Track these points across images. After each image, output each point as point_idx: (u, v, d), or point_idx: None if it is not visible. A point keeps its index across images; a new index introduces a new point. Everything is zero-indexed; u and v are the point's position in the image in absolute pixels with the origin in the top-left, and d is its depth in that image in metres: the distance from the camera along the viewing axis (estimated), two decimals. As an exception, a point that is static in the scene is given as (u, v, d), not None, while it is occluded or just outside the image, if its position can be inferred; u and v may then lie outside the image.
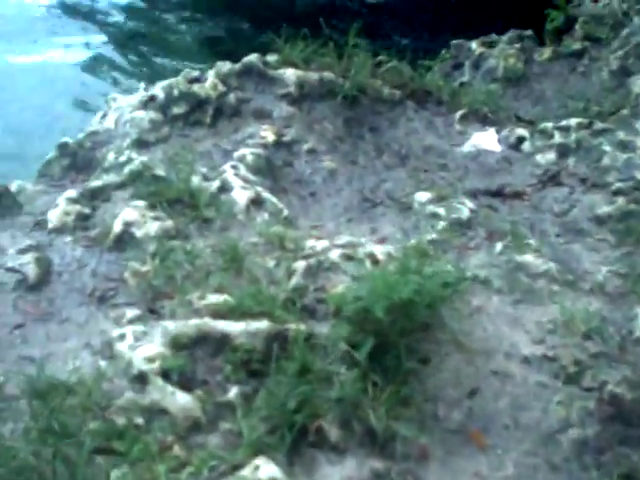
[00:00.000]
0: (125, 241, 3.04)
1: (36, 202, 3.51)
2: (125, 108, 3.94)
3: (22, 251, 2.99)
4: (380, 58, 4.41)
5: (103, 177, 3.55)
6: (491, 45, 4.57)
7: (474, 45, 4.54)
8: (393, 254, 2.93)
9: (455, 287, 2.69)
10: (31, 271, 2.90)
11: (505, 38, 4.56)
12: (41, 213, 3.39)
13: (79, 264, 2.98)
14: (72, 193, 3.31)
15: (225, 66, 4.16)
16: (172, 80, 4.00)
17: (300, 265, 2.88)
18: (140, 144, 3.75)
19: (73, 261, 2.99)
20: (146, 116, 3.86)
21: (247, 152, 3.58)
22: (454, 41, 4.67)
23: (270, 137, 3.80)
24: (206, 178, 3.41)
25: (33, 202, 3.52)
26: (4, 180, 3.65)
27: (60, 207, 3.24)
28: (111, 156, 3.64)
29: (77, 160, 3.79)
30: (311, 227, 3.31)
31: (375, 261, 2.90)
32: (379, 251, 2.93)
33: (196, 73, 4.10)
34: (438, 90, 4.21)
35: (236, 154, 3.59)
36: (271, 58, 4.29)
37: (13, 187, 3.57)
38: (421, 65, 4.64)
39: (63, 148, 3.81)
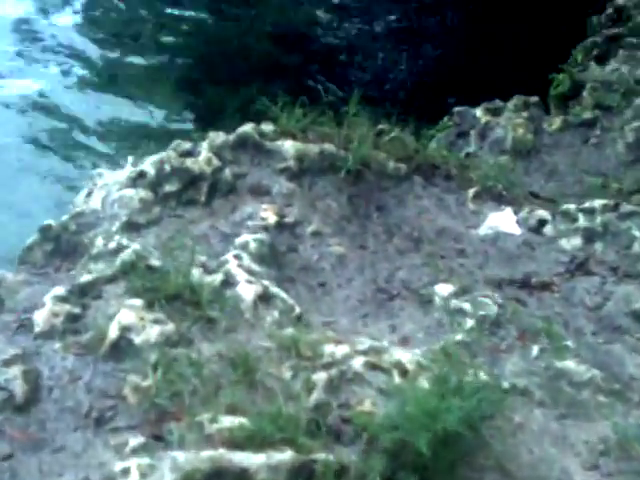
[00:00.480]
0: (122, 349, 2.73)
1: (18, 295, 3.18)
2: (112, 186, 3.64)
3: (7, 362, 2.66)
4: (381, 127, 4.17)
5: (92, 267, 3.23)
6: (496, 112, 4.33)
7: (479, 112, 4.30)
8: (422, 362, 2.65)
9: (498, 405, 2.42)
10: (18, 388, 2.57)
11: (510, 105, 4.33)
12: (24, 310, 3.06)
13: (71, 377, 2.66)
14: (60, 290, 2.99)
15: (219, 137, 3.88)
16: (163, 154, 3.70)
17: (320, 377, 2.59)
18: (130, 227, 3.44)
19: (64, 373, 2.67)
20: (135, 195, 3.56)
21: (249, 238, 3.29)
22: (457, 108, 4.43)
23: (271, 218, 3.52)
24: (207, 269, 3.11)
25: (14, 296, 3.18)
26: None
27: (47, 307, 2.91)
28: (99, 242, 3.33)
29: (61, 245, 3.47)
30: (324, 324, 3.02)
31: (403, 371, 2.62)
32: (407, 359, 2.65)
33: (188, 145, 3.82)
34: (445, 163, 3.96)
35: (238, 241, 3.30)
36: (266, 127, 4.03)
37: (-7, 278, 3.25)
38: (422, 131, 4.39)
39: (46, 231, 3.49)
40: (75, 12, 9.13)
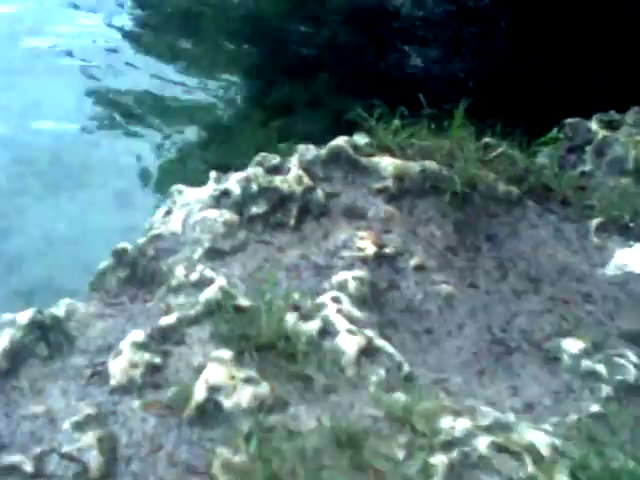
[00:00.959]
0: (209, 413, 2.38)
1: (90, 331, 2.87)
2: (193, 205, 3.29)
3: (81, 426, 2.34)
4: (486, 140, 3.76)
5: (172, 301, 2.90)
6: (612, 126, 3.89)
7: (594, 125, 3.87)
8: (558, 445, 2.27)
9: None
10: (93, 460, 2.25)
11: (629, 119, 3.89)
12: (98, 351, 2.75)
13: (152, 445, 2.33)
14: (138, 336, 2.65)
15: (309, 152, 3.51)
16: (249, 171, 3.34)
17: (440, 461, 2.23)
18: (214, 254, 3.10)
19: (144, 440, 2.34)
20: (219, 217, 3.21)
21: (348, 277, 2.92)
22: (569, 120, 3.99)
23: (369, 248, 3.14)
24: (301, 313, 2.75)
25: (86, 332, 2.87)
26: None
27: (124, 356, 2.58)
28: (180, 271, 2.99)
29: (137, 271, 3.14)
30: (434, 382, 2.65)
31: (537, 456, 2.24)
32: (541, 442, 2.27)
33: (275, 160, 3.45)
34: (560, 185, 3.55)
35: (335, 279, 2.93)
36: (360, 140, 3.65)
37: (61, 309, 2.93)
38: (526, 144, 3.96)
39: (120, 256, 3.16)
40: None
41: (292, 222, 3.29)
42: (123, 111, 7.24)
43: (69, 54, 7.81)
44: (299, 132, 6.97)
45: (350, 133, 3.69)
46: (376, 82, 7.25)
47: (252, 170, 3.35)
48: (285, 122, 7.35)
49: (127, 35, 8.33)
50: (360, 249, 3.15)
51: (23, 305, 2.90)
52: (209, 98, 7.58)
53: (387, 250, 3.16)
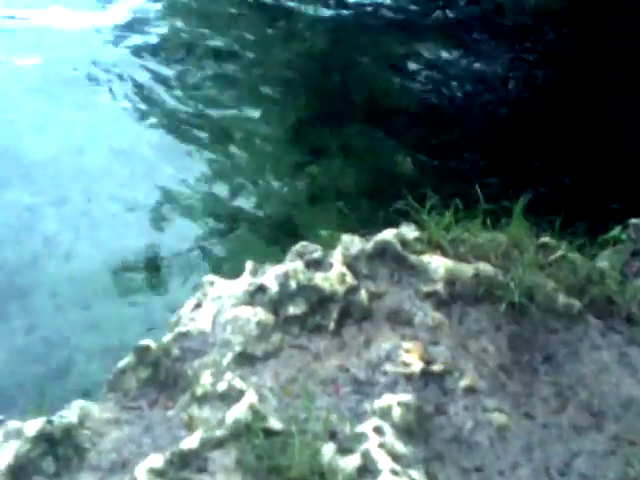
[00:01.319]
0: None
1: (103, 443, 2.60)
2: (225, 299, 3.02)
3: None
4: (544, 240, 3.47)
5: (195, 413, 2.64)
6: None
7: (663, 228, 3.58)
8: None
9: None
10: None
11: None
12: (110, 468, 2.49)
13: None
14: (156, 461, 2.38)
15: (353, 245, 3.24)
16: (288, 266, 3.07)
17: None
18: (244, 360, 2.83)
19: None
20: (253, 316, 2.93)
21: (393, 402, 2.63)
22: (633, 220, 3.71)
23: (415, 364, 2.86)
24: (339, 444, 2.47)
25: (99, 442, 2.60)
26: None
27: (141, 485, 2.31)
28: (206, 378, 2.72)
29: (160, 372, 2.87)
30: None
31: None
32: None
33: (317, 254, 3.18)
34: (624, 299, 3.25)
35: (378, 404, 2.64)
36: (409, 233, 3.38)
37: (74, 413, 2.66)
38: (588, 243, 3.66)
39: (142, 353, 2.90)
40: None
41: (332, 326, 3.01)
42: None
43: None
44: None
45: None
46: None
47: (291, 265, 3.07)
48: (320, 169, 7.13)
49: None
50: (405, 364, 2.86)
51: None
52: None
53: (435, 367, 2.88)
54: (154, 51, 8.39)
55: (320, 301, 3.03)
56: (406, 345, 2.94)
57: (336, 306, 3.04)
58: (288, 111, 7.79)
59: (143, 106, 7.63)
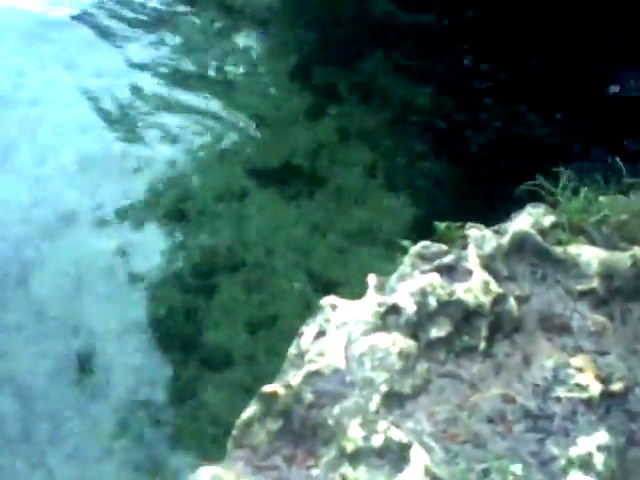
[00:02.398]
0: None
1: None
2: (354, 326, 2.57)
3: None
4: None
5: (349, 474, 2.21)
6: None
7: None
8: None
9: None
10: None
11: None
12: None
13: None
14: None
15: (485, 241, 2.79)
16: (424, 280, 2.61)
17: None
18: (392, 401, 2.40)
19: None
20: (392, 346, 2.49)
21: (592, 449, 2.20)
22: None
23: (593, 385, 2.43)
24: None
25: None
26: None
27: None
28: (355, 430, 2.29)
29: (293, 423, 2.43)
30: None
31: None
32: None
33: (449, 258, 2.72)
34: None
35: (574, 452, 2.21)
36: (545, 220, 2.92)
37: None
38: None
39: (269, 400, 2.45)
40: None
41: (482, 345, 2.57)
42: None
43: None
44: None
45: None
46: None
47: (427, 279, 2.61)
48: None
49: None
50: (580, 387, 2.43)
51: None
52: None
53: (614, 387, 2.45)
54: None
55: (465, 317, 2.59)
56: (575, 362, 2.50)
57: (484, 321, 2.60)
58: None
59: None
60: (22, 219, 5.40)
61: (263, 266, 5.42)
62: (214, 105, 6.62)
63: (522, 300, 2.70)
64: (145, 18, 7.52)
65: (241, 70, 7.15)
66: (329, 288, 4.59)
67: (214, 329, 5.23)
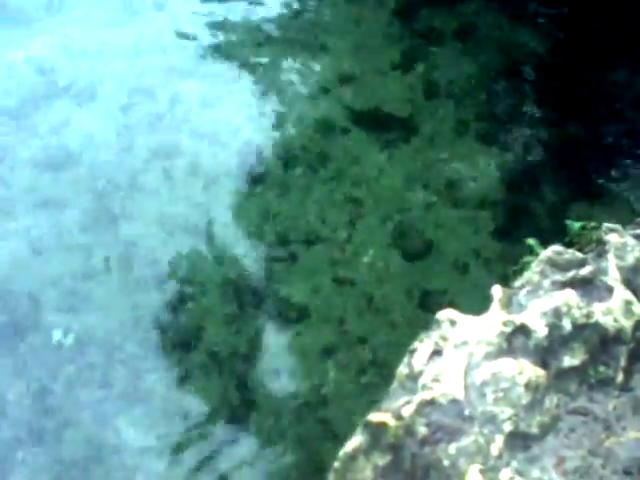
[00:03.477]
0: None
1: None
2: (475, 347, 2.28)
3: None
4: None
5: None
6: None
7: None
8: None
9: None
10: None
11: None
12: None
13: None
14: None
15: (627, 251, 2.44)
16: (559, 298, 2.29)
17: None
18: (517, 442, 2.12)
19: None
20: (519, 375, 2.20)
21: None
22: None
23: None
24: None
25: None
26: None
27: None
28: (473, 476, 2.03)
29: (403, 459, 2.17)
30: None
31: None
32: None
33: (586, 271, 2.39)
34: None
35: None
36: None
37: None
38: None
39: (378, 432, 2.20)
40: None
41: (620, 377, 2.26)
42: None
43: None
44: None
45: None
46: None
47: (562, 296, 2.29)
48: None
49: None
50: None
51: None
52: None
53: None
54: None
55: (602, 344, 2.27)
56: None
57: (623, 349, 2.28)
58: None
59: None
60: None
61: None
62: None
63: (665, 321, 2.36)
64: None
65: None
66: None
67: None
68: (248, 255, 4.83)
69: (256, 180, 5.21)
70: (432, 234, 5.01)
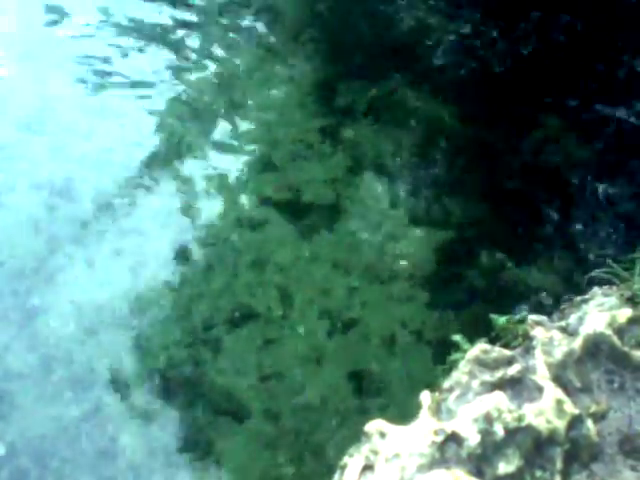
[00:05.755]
0: None
1: None
2: (407, 460, 2.20)
3: None
4: None
5: None
6: None
7: None
8: None
9: None
10: None
11: None
12: None
13: None
14: None
15: (554, 346, 2.41)
16: (488, 403, 2.23)
17: None
18: None
19: None
20: (453, 489, 2.11)
21: None
22: None
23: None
24: None
25: None
26: None
27: None
28: None
29: None
30: None
31: None
32: None
33: (513, 370, 2.34)
34: None
35: None
36: (612, 306, 2.54)
37: None
38: None
39: None
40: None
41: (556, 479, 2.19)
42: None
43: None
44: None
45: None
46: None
47: (492, 401, 2.23)
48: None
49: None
50: (678, 539, 2.06)
51: None
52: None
53: None
54: None
55: (537, 447, 2.21)
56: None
57: (558, 450, 2.22)
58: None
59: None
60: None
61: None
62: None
63: (598, 417, 2.32)
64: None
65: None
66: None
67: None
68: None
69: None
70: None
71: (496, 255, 5.26)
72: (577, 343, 2.40)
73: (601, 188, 5.55)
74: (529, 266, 5.18)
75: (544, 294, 4.95)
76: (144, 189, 5.48)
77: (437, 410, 2.30)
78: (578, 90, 6.34)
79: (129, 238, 5.18)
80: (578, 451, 2.23)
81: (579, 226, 5.39)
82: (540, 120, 6.12)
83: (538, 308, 4.03)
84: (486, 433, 2.19)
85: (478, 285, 5.11)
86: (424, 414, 2.28)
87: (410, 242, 5.32)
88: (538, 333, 2.44)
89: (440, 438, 2.21)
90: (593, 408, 2.32)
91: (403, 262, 5.14)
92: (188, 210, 5.34)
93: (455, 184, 5.66)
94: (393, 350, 4.84)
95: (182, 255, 5.16)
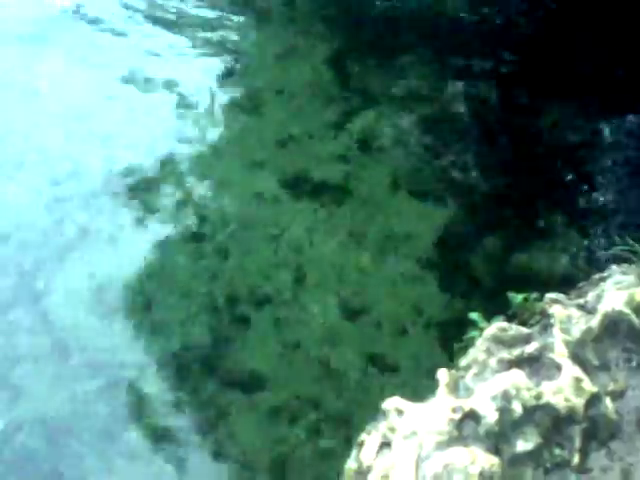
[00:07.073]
0: None
1: None
2: (425, 437, 2.18)
3: None
4: None
5: None
6: None
7: None
8: None
9: None
10: None
11: None
12: None
13: None
14: None
15: (573, 324, 2.38)
16: (506, 380, 2.22)
17: None
18: (477, 538, 2.01)
19: None
20: (472, 466, 2.10)
21: None
22: None
23: None
24: None
25: None
26: None
27: None
28: None
29: None
30: None
31: None
32: None
33: (531, 348, 2.32)
34: None
35: None
36: (630, 283, 2.51)
37: None
38: None
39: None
40: None
41: (576, 459, 2.18)
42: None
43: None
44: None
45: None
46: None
47: (510, 378, 2.22)
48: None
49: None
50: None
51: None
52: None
53: None
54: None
55: (555, 425, 2.20)
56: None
57: (577, 429, 2.20)
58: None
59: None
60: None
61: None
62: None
63: (617, 396, 2.30)
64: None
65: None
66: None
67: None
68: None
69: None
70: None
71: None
72: (595, 321, 2.38)
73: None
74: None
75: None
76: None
77: (454, 388, 2.29)
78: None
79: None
80: (596, 429, 2.21)
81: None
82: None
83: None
84: (504, 411, 2.17)
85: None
86: (441, 391, 2.27)
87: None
88: (556, 311, 2.42)
89: (458, 416, 2.20)
90: (611, 386, 2.30)
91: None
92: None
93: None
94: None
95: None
